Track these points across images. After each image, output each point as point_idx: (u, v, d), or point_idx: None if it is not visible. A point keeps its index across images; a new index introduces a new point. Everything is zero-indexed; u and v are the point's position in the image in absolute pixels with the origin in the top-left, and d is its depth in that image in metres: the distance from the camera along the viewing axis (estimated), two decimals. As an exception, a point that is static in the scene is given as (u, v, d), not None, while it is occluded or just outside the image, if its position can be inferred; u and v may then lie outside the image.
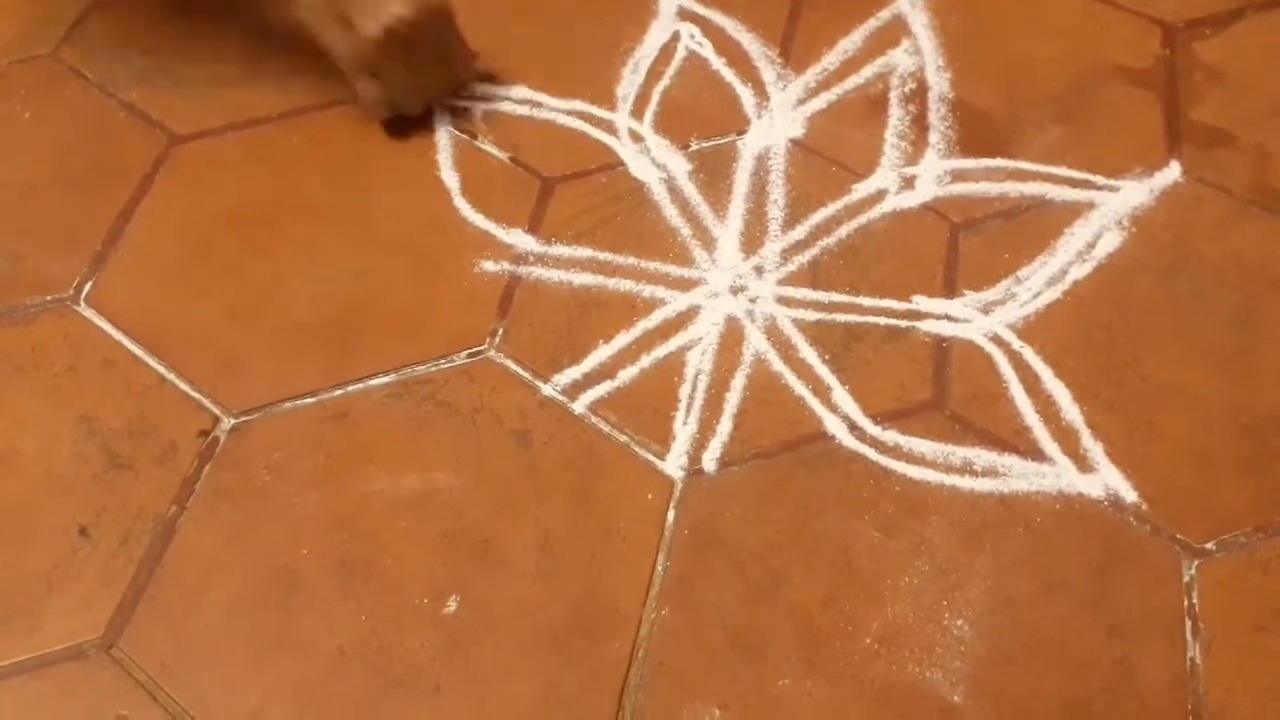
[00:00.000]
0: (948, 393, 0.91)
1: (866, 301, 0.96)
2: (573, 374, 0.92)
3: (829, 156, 1.06)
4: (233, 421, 0.89)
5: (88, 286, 0.96)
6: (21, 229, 1.00)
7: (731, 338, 0.94)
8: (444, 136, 1.07)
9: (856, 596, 0.81)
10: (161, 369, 0.91)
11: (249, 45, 1.14)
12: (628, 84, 1.12)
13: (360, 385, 0.91)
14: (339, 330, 0.94)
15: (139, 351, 0.92)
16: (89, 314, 0.95)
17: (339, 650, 0.78)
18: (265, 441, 0.88)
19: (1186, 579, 0.82)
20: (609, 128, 1.08)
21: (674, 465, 0.87)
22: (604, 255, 0.99)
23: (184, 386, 0.91)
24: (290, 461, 0.87)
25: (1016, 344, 0.93)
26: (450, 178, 1.04)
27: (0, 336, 0.93)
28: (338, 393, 0.90)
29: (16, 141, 1.07)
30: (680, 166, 1.05)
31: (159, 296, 0.96)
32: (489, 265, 0.98)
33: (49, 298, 0.95)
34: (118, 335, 0.93)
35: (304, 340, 0.94)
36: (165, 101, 1.10)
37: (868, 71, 1.13)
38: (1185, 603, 0.81)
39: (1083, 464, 0.87)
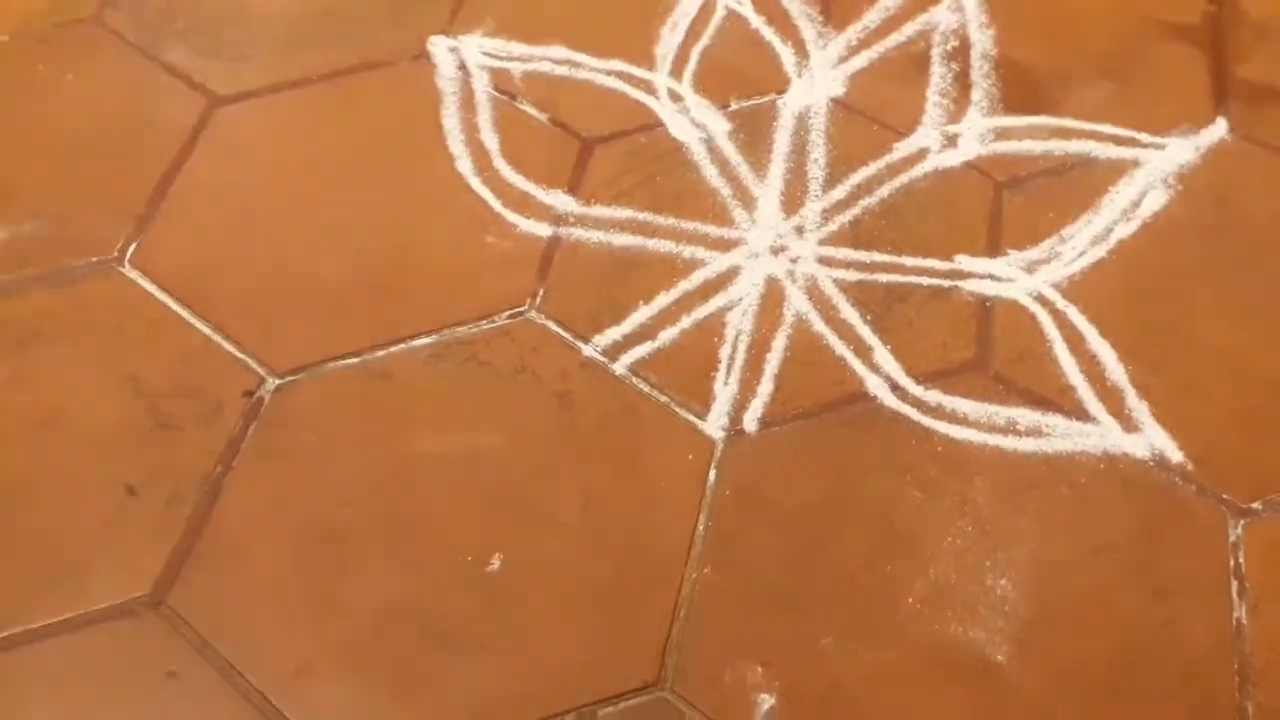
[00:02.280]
0: (991, 352, 0.90)
1: (909, 261, 0.96)
2: (613, 334, 0.92)
3: (870, 115, 1.05)
4: (277, 382, 0.89)
5: (132, 248, 0.97)
6: (65, 191, 1.01)
7: (772, 298, 0.94)
8: (484, 97, 1.07)
9: (899, 556, 0.81)
10: (207, 330, 0.92)
11: (287, 9, 1.14)
12: (666, 43, 1.11)
13: (403, 346, 0.91)
14: (381, 292, 0.95)
15: (184, 313, 0.93)
16: (134, 275, 0.95)
17: (384, 608, 0.79)
18: (309, 402, 0.88)
19: (1233, 539, 0.82)
20: (648, 87, 1.08)
21: (715, 425, 0.87)
22: (644, 216, 0.99)
23: (229, 347, 0.91)
24: (334, 421, 0.87)
25: (1061, 303, 0.92)
26: (490, 139, 1.04)
27: (47, 298, 0.94)
28: (380, 353, 0.91)
29: (59, 104, 1.07)
30: (720, 126, 1.05)
31: (203, 258, 0.96)
32: (529, 226, 0.98)
33: (94, 259, 0.96)
34: (162, 296, 0.94)
35: (346, 302, 0.94)
36: (206, 64, 1.10)
37: (909, 29, 1.11)
38: (1231, 563, 0.81)
39: (1128, 424, 0.87)
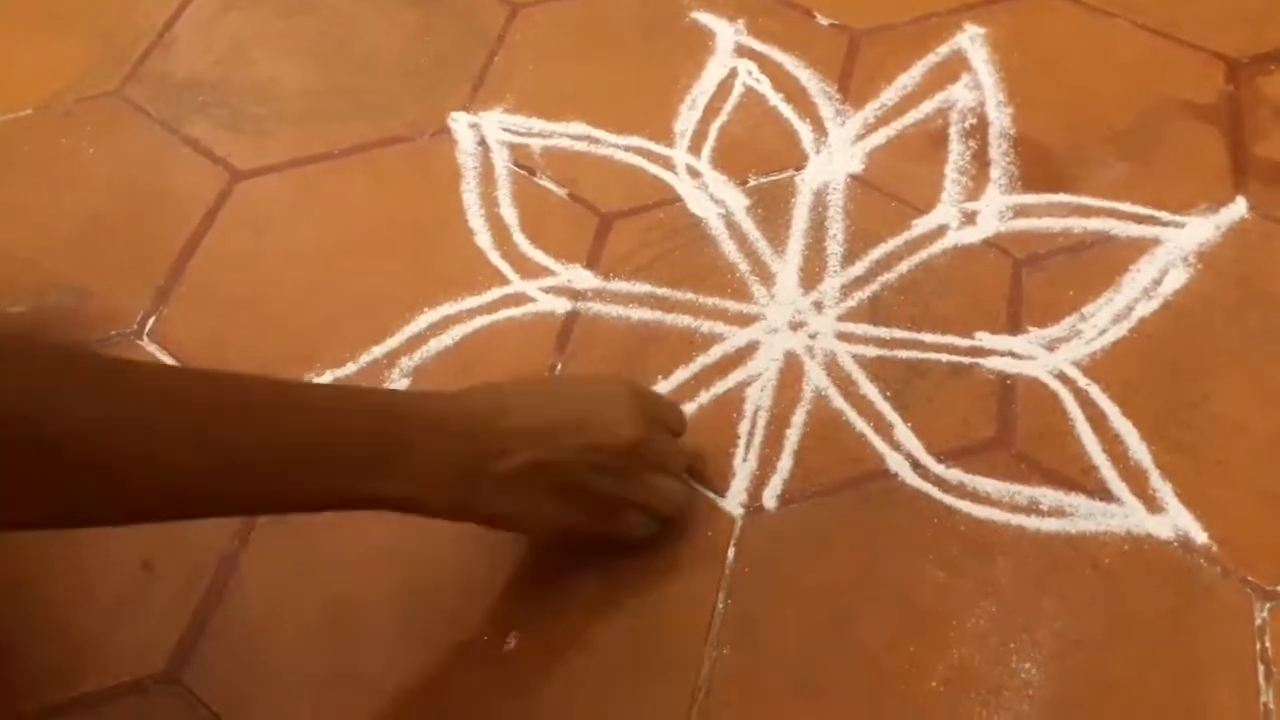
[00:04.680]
0: (1013, 430, 0.90)
1: (928, 338, 0.95)
2: (632, 410, 0.92)
3: (889, 192, 1.06)
4: (294, 456, 0.89)
5: (151, 321, 0.97)
6: (86, 264, 1.01)
7: (791, 374, 0.93)
8: (503, 172, 1.07)
9: (921, 638, 0.80)
10: (224, 403, 0.92)
11: (309, 83, 1.16)
12: (685, 120, 1.12)
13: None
14: (399, 365, 0.95)
15: (201, 385, 0.93)
16: (153, 349, 0.95)
17: (400, 686, 0.78)
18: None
19: (1259, 622, 0.80)
20: (666, 163, 1.08)
21: (734, 502, 0.87)
22: (662, 291, 0.99)
23: (246, 421, 0.91)
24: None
25: (1083, 381, 0.92)
26: (509, 213, 1.04)
27: (65, 370, 0.94)
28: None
29: (82, 177, 1.08)
30: (738, 202, 1.05)
31: (222, 331, 0.97)
32: (548, 300, 0.98)
33: (113, 332, 0.96)
34: (181, 369, 0.94)
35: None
36: (228, 138, 1.11)
37: (927, 107, 1.12)
38: (1258, 646, 0.79)
39: (1151, 504, 0.86)
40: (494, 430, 0.73)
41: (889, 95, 1.13)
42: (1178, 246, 1.00)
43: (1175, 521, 0.85)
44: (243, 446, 0.64)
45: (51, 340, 0.90)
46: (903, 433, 0.90)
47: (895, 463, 0.88)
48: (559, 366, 0.94)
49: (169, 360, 0.94)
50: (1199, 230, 1.02)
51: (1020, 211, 1.04)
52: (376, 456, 0.68)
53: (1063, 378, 0.92)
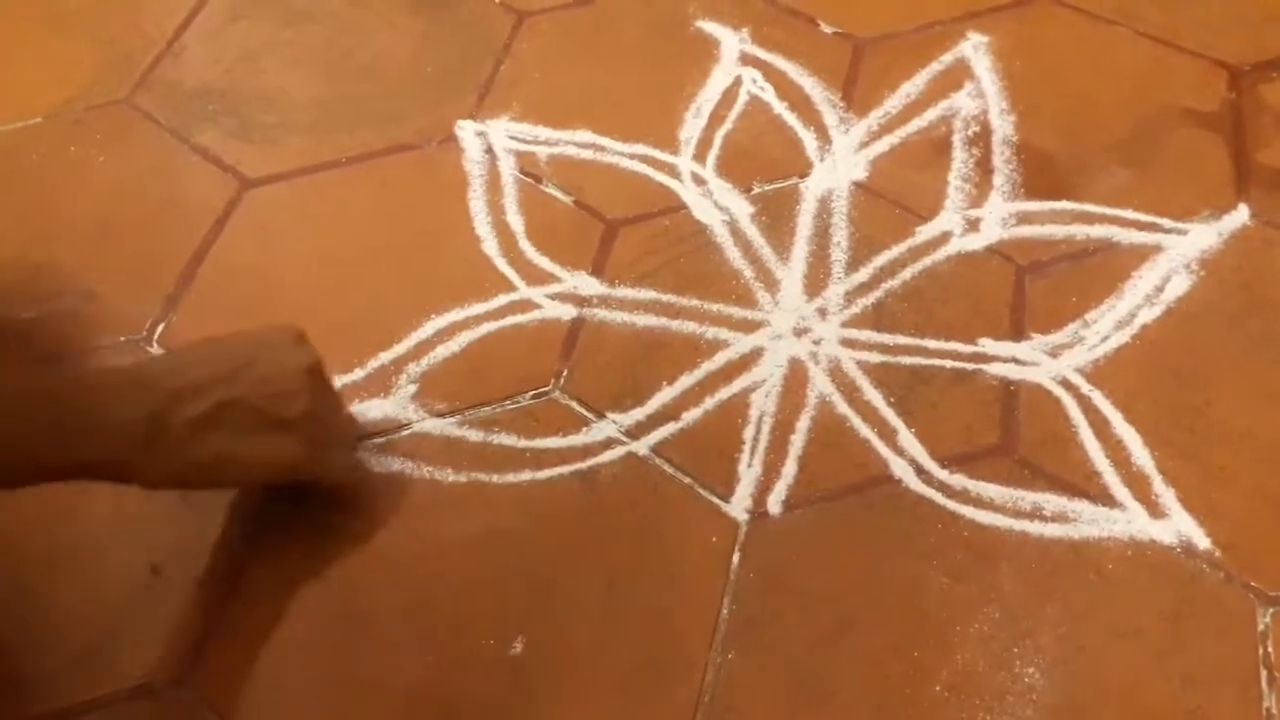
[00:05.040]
0: (1016, 436, 0.90)
1: (932, 344, 0.96)
2: (636, 415, 0.92)
3: (892, 199, 1.06)
4: (302, 461, 0.90)
5: (160, 328, 0.98)
6: (96, 271, 1.02)
7: (795, 380, 0.94)
8: (510, 180, 1.08)
9: (926, 643, 0.80)
10: (232, 409, 0.92)
11: (317, 92, 1.16)
12: (690, 128, 1.13)
13: (427, 424, 0.91)
14: (406, 371, 0.95)
15: (210, 392, 0.93)
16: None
17: (406, 690, 0.79)
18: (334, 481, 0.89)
19: (1261, 627, 0.81)
20: (672, 171, 1.09)
21: (738, 508, 0.87)
22: (667, 297, 1.00)
23: (254, 426, 0.91)
24: (357, 500, 0.87)
25: (1085, 388, 0.92)
26: (516, 221, 1.05)
27: (75, 376, 0.95)
28: (405, 433, 0.91)
29: (91, 185, 1.09)
30: (743, 209, 1.06)
31: (230, 337, 0.97)
32: (553, 307, 0.99)
33: (123, 339, 0.97)
34: (189, 375, 0.94)
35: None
36: (237, 146, 1.12)
37: (931, 114, 1.13)
38: (1260, 651, 0.79)
39: (1154, 510, 0.86)
40: (173, 383, 0.75)
41: (893, 103, 1.14)
42: (1180, 253, 1.01)
43: (1178, 527, 0.85)
44: None
45: None
46: (906, 439, 0.90)
47: (899, 468, 0.89)
48: (565, 373, 0.94)
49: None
50: (1201, 237, 1.02)
51: (1023, 218, 1.04)
52: (55, 423, 0.70)
53: (1066, 384, 0.93)
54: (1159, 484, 0.87)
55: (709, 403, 0.93)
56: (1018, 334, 0.96)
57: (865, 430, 0.91)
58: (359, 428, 0.91)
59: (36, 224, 1.06)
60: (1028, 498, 0.87)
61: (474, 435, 0.91)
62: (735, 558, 0.84)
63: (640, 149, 1.11)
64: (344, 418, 0.89)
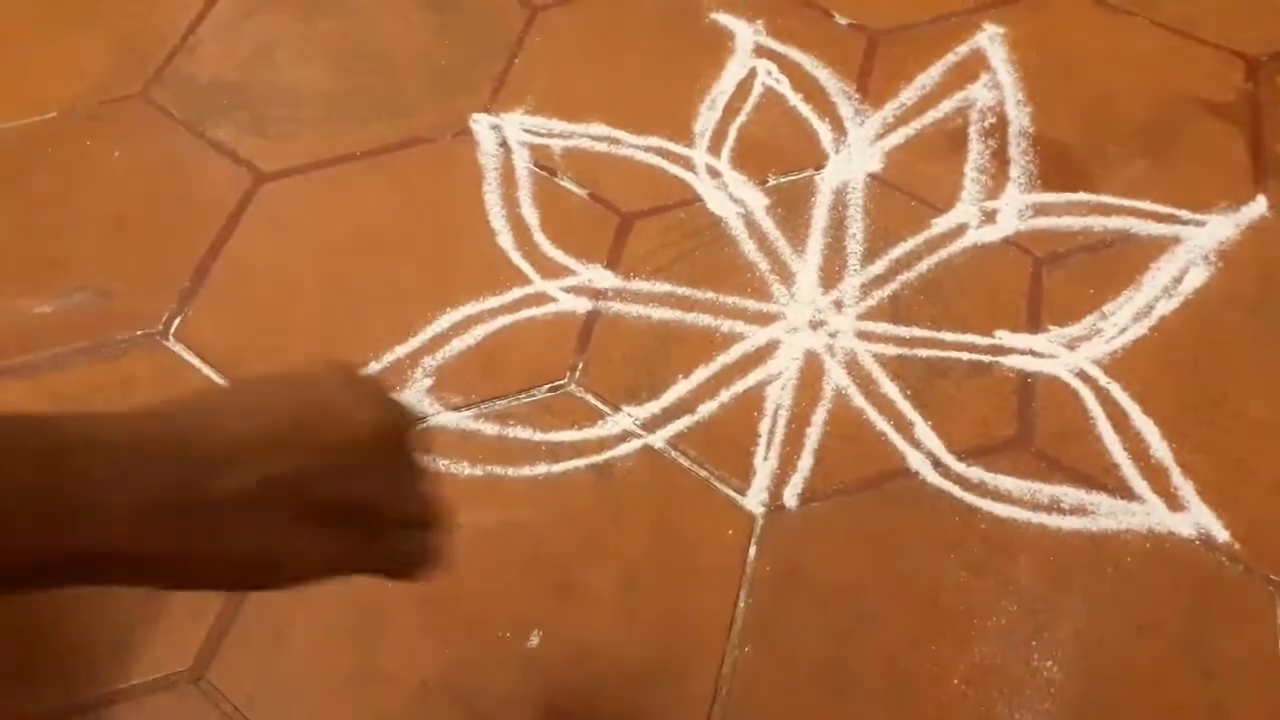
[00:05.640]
0: (1033, 429, 0.90)
1: (948, 336, 0.96)
2: (652, 408, 0.92)
3: (908, 191, 1.06)
4: (318, 455, 0.90)
5: (176, 322, 0.98)
6: (112, 265, 1.02)
7: (811, 372, 0.94)
8: (524, 173, 1.08)
9: (943, 636, 0.80)
10: (248, 403, 0.92)
11: (331, 86, 1.16)
12: (705, 120, 1.12)
13: (443, 418, 0.91)
14: (421, 365, 0.95)
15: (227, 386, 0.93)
16: (178, 349, 0.96)
17: (422, 683, 0.79)
18: (349, 475, 0.89)
19: (1281, 620, 0.80)
20: (686, 164, 1.09)
21: (755, 501, 0.87)
22: (682, 290, 0.99)
23: (270, 420, 0.92)
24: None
25: (1103, 380, 0.92)
26: (530, 214, 1.05)
27: (92, 370, 0.95)
28: (420, 426, 0.91)
29: (107, 179, 1.09)
30: (758, 201, 1.06)
31: (246, 331, 0.97)
32: (568, 300, 0.99)
33: (139, 333, 0.97)
34: (206, 370, 0.95)
35: (387, 375, 0.95)
36: (251, 141, 1.12)
37: (946, 106, 1.12)
38: (1280, 644, 0.79)
39: (1173, 502, 0.86)
40: (202, 444, 0.52)
41: (908, 95, 1.13)
42: (1198, 245, 1.00)
43: (1197, 519, 0.85)
44: None
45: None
46: (923, 431, 0.90)
47: (916, 461, 0.88)
48: (580, 366, 0.94)
49: (194, 360, 0.95)
50: (1219, 228, 1.02)
51: (1040, 210, 1.04)
52: (42, 503, 0.48)
53: (1083, 376, 0.92)
54: (1177, 476, 0.87)
55: (724, 396, 0.93)
56: (1035, 326, 0.96)
57: (882, 423, 0.91)
58: (440, 501, 0.63)
59: (52, 218, 1.06)
60: (1045, 490, 0.86)
61: (490, 429, 0.91)
62: (752, 551, 0.84)
63: (655, 141, 1.10)
64: (422, 489, 0.61)
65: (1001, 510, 0.86)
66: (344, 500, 0.56)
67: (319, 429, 0.56)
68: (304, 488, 0.54)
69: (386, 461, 0.59)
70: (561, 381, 0.94)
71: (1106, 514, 0.85)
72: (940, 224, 1.03)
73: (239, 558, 0.53)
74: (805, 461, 0.89)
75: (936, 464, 0.88)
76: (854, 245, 1.02)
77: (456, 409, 0.92)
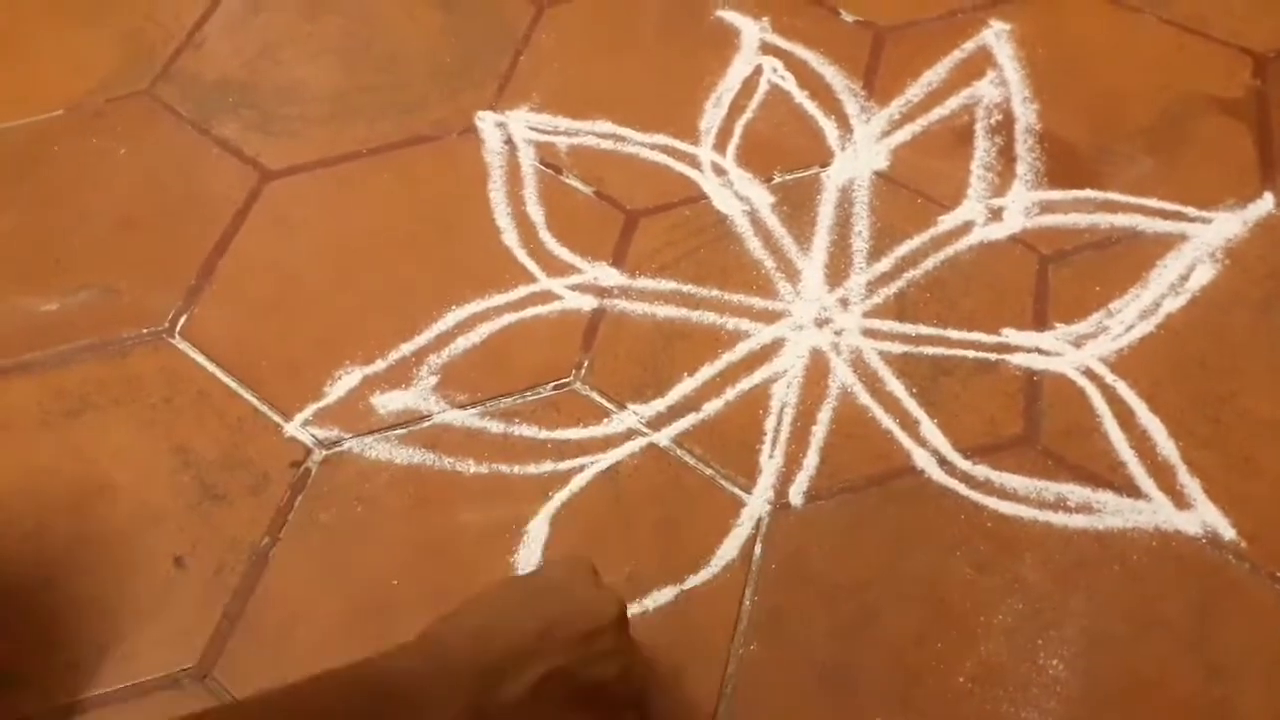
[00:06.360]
0: (1039, 427, 0.90)
1: (954, 334, 0.95)
2: (657, 406, 0.92)
3: (914, 188, 1.06)
4: (324, 453, 0.90)
5: (182, 319, 0.98)
6: (118, 263, 1.02)
7: (817, 370, 0.94)
8: (530, 171, 1.08)
9: (949, 634, 0.80)
10: (255, 401, 0.93)
11: (337, 84, 1.16)
12: (710, 118, 1.12)
13: (448, 416, 0.91)
14: (427, 363, 0.95)
15: (232, 383, 0.94)
16: (184, 347, 0.96)
17: (429, 682, 0.79)
18: (356, 473, 0.89)
19: (1287, 618, 0.80)
20: (692, 161, 1.09)
21: (760, 499, 0.87)
22: (688, 288, 0.99)
23: (276, 418, 0.92)
24: (381, 493, 0.88)
25: (1110, 378, 0.92)
26: (536, 212, 1.05)
27: (97, 369, 0.95)
28: (426, 424, 0.91)
29: (113, 177, 1.09)
30: (763, 199, 1.05)
31: (252, 329, 0.97)
32: (574, 297, 0.99)
33: (145, 330, 0.97)
34: (212, 368, 0.95)
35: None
36: (257, 138, 1.12)
37: (953, 103, 1.12)
38: (1287, 643, 0.79)
39: (1180, 500, 0.86)
40: (486, 660, 0.64)
41: (914, 92, 1.13)
42: (1205, 242, 1.00)
43: (1203, 518, 0.85)
44: None
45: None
46: (929, 429, 0.90)
47: (922, 459, 0.88)
48: (585, 364, 0.94)
49: (200, 358, 0.95)
50: (1226, 226, 1.01)
51: (1046, 207, 1.03)
52: None
53: (1090, 374, 0.92)
54: (1184, 474, 0.87)
55: (730, 393, 0.93)
56: (1041, 324, 0.96)
57: (887, 421, 0.90)
58: (651, 680, 0.78)
59: (57, 216, 1.06)
60: (1051, 488, 0.86)
61: (495, 426, 0.91)
62: (757, 549, 0.84)
63: (660, 139, 1.10)
64: (642, 669, 0.76)
65: (1007, 508, 0.85)
66: (599, 684, 0.67)
67: (575, 623, 0.67)
68: (571, 676, 0.65)
69: (620, 645, 0.69)
70: (567, 379, 0.94)
71: (1113, 512, 0.85)
72: (946, 221, 1.03)
73: None
74: (811, 459, 0.89)
75: (942, 462, 0.88)
76: (860, 243, 1.02)
77: (462, 407, 0.92)
